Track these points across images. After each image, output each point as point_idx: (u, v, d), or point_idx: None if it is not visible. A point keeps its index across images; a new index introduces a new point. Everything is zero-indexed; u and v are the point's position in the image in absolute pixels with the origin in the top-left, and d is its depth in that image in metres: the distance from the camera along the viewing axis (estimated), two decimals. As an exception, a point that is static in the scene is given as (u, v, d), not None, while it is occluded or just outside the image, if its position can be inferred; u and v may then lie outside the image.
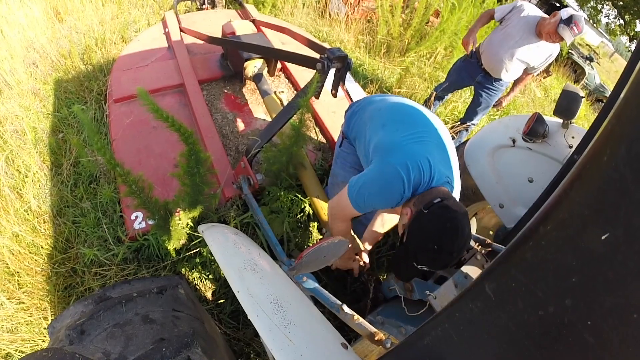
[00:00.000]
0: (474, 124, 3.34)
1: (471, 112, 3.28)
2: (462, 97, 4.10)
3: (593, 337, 0.41)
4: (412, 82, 4.01)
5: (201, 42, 2.71)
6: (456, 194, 1.30)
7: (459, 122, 3.37)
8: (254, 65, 2.40)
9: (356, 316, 1.09)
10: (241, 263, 1.17)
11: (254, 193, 1.84)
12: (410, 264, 1.14)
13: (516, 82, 3.10)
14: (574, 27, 2.38)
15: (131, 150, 1.98)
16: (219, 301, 1.88)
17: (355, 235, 1.72)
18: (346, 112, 1.67)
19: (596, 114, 1.60)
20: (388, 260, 2.14)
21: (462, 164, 1.89)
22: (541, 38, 2.60)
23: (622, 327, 0.39)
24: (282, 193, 1.87)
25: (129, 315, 1.11)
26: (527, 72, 2.92)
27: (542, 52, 2.70)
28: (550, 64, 3.23)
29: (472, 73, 3.09)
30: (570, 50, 8.45)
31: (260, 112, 2.46)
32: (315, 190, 1.87)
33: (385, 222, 1.65)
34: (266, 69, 2.52)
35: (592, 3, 16.31)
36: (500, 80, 2.95)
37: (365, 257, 1.64)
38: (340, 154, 1.74)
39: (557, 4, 10.67)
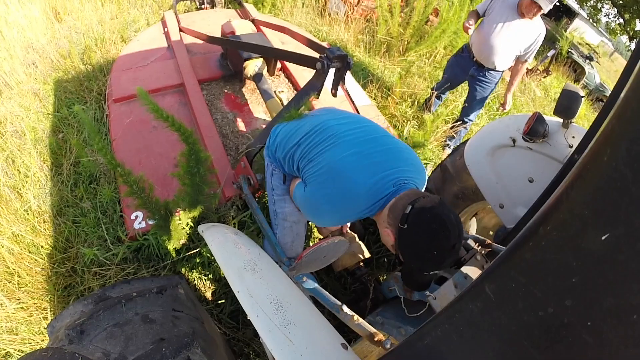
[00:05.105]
0: (471, 120, 3.34)
1: (468, 108, 3.29)
2: (462, 96, 4.10)
3: (592, 338, 0.41)
4: (412, 82, 4.01)
5: (201, 41, 2.70)
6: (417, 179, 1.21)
7: (457, 120, 3.37)
8: (253, 65, 2.40)
9: (356, 317, 1.09)
10: (241, 263, 1.17)
11: (254, 193, 1.84)
12: (420, 275, 1.12)
13: (513, 75, 3.09)
14: None
15: (131, 150, 1.98)
16: (219, 301, 1.88)
17: (355, 235, 1.72)
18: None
19: (596, 114, 1.59)
20: (388, 260, 2.14)
21: (461, 164, 1.89)
22: (523, 17, 2.65)
23: (622, 328, 0.39)
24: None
25: (128, 315, 1.11)
26: (520, 60, 2.92)
27: (530, 33, 2.72)
28: (540, 48, 3.20)
29: (465, 67, 3.11)
30: (570, 50, 8.43)
31: (261, 111, 2.45)
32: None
33: None
34: (266, 68, 2.52)
35: (591, 2, 16.31)
36: (494, 70, 2.96)
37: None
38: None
39: (557, 3, 10.65)
